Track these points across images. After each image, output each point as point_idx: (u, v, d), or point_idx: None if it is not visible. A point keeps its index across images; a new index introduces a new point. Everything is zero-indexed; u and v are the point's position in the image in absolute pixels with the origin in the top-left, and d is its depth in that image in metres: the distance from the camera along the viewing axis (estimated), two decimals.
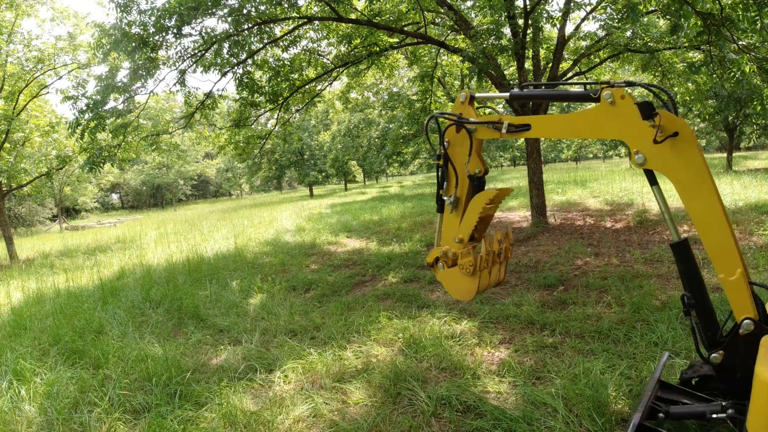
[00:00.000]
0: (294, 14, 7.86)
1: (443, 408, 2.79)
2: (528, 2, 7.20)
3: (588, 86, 2.09)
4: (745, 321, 1.89)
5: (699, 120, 25.63)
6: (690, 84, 9.36)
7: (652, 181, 2.06)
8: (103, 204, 55.95)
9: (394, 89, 16.36)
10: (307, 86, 9.72)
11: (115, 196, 60.11)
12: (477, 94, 2.47)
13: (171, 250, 10.68)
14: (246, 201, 42.25)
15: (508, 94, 2.43)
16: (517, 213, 11.01)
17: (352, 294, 5.61)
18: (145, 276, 7.26)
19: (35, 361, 3.90)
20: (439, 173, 2.55)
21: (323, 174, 38.12)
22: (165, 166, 46.63)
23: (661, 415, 2.27)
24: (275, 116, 10.44)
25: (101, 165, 8.62)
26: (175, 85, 8.00)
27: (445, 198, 2.56)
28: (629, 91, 1.98)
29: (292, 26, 8.61)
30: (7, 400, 3.26)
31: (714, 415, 2.08)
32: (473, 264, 2.42)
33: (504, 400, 2.82)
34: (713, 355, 2.02)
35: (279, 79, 8.94)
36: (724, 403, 2.03)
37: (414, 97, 12.24)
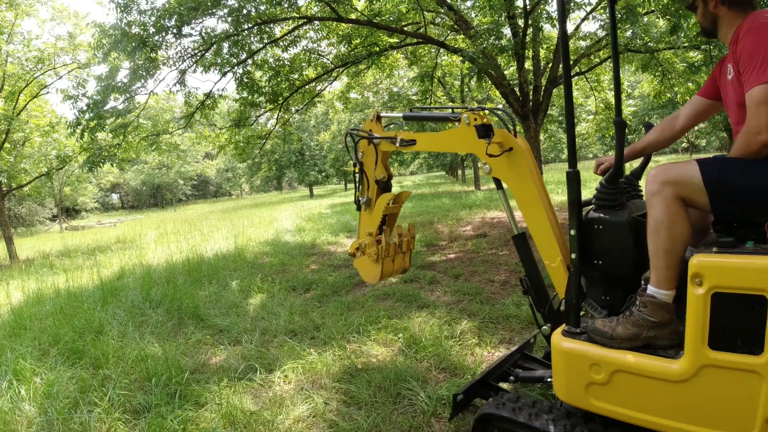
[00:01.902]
0: (294, 14, 7.87)
1: (443, 408, 2.79)
2: (528, 2, 7.20)
3: (455, 110, 2.56)
4: (586, 302, 2.17)
5: None
6: (690, 84, 9.36)
7: (498, 186, 2.46)
8: (103, 204, 55.97)
9: (394, 89, 16.37)
10: (307, 86, 9.72)
11: (115, 196, 60.12)
12: (381, 114, 3.03)
13: (171, 250, 10.69)
14: (246, 201, 42.27)
15: (401, 115, 2.95)
16: (516, 213, 11.00)
17: (352, 294, 5.61)
18: (145, 276, 7.26)
19: (35, 361, 3.90)
20: (356, 179, 3.12)
21: (323, 174, 38.12)
22: (165, 166, 46.65)
23: (511, 378, 2.71)
24: (275, 116, 10.44)
25: (101, 164, 8.64)
26: (175, 85, 8.01)
27: (360, 199, 3.10)
28: (487, 113, 2.45)
29: (292, 26, 8.62)
30: (7, 400, 3.26)
31: (548, 379, 2.48)
32: (377, 253, 2.97)
33: None
34: (544, 327, 2.37)
35: (279, 79, 8.95)
36: None
37: (414, 97, 12.25)
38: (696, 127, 37.50)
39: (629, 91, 14.81)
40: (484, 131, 2.30)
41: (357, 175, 3.09)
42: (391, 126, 3.26)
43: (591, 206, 2.17)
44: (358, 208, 3.14)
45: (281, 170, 38.26)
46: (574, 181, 2.01)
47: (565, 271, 2.18)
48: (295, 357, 3.68)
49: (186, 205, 52.52)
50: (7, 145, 12.57)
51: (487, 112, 2.40)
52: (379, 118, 3.02)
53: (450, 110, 2.59)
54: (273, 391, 3.21)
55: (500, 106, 2.57)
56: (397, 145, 2.82)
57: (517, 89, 8.23)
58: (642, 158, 2.50)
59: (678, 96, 10.19)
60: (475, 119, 2.35)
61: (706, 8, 1.96)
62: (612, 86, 11.41)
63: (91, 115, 7.53)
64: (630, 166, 2.56)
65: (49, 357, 4.08)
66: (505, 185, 2.41)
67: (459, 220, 10.69)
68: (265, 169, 37.39)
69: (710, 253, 1.69)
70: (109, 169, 43.51)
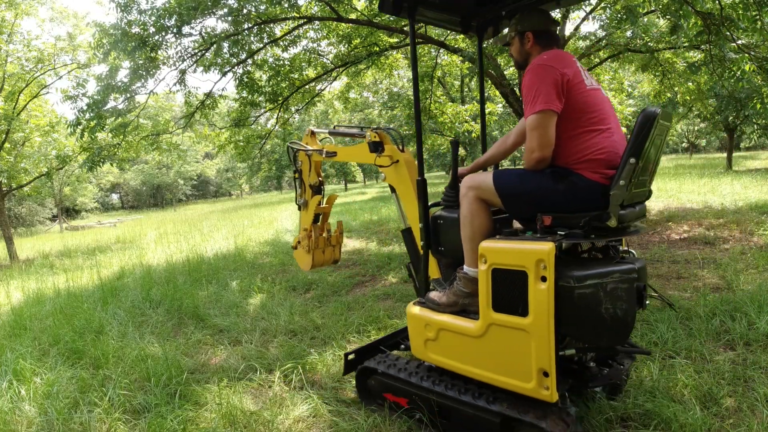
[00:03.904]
0: (294, 14, 7.86)
1: None
2: None
3: (363, 128, 3.13)
4: (433, 279, 2.76)
5: (699, 120, 25.64)
6: (690, 84, 9.35)
7: (392, 190, 3.02)
8: (103, 204, 55.94)
9: (394, 89, 16.35)
10: (307, 86, 9.71)
11: (115, 196, 60.10)
12: (315, 130, 3.67)
13: (171, 250, 10.68)
14: (246, 201, 42.26)
15: (328, 131, 3.58)
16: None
17: (352, 294, 5.61)
18: (145, 276, 7.26)
19: (35, 361, 3.90)
20: (296, 184, 3.78)
21: (323, 174, 38.07)
22: (165, 166, 46.63)
23: (402, 346, 3.16)
24: (275, 116, 10.43)
25: (101, 164, 8.63)
26: (175, 84, 8.00)
27: (299, 200, 3.76)
28: (391, 132, 3.02)
29: (292, 26, 8.61)
30: (7, 400, 3.26)
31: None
32: (308, 245, 3.69)
33: None
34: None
35: (279, 79, 8.94)
36: None
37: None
38: (696, 128, 37.38)
39: (629, 90, 14.78)
40: (374, 147, 2.94)
41: (297, 180, 3.76)
42: (326, 140, 3.78)
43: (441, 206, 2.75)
44: (299, 208, 3.76)
45: (281, 170, 38.23)
46: (421, 188, 2.64)
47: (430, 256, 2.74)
48: (295, 357, 3.68)
49: (186, 205, 52.49)
50: (7, 145, 12.56)
51: (382, 132, 2.98)
52: (313, 133, 3.67)
53: (360, 129, 3.19)
54: (273, 391, 3.21)
55: (392, 127, 3.17)
56: (324, 156, 3.45)
57: (517, 89, 8.23)
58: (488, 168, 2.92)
59: (678, 96, 10.19)
60: (374, 137, 2.94)
61: (522, 46, 2.43)
62: (612, 86, 11.41)
63: (91, 114, 7.52)
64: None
65: (49, 357, 4.08)
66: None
67: None
68: (265, 169, 37.37)
69: (493, 239, 2.21)
70: (109, 169, 43.53)
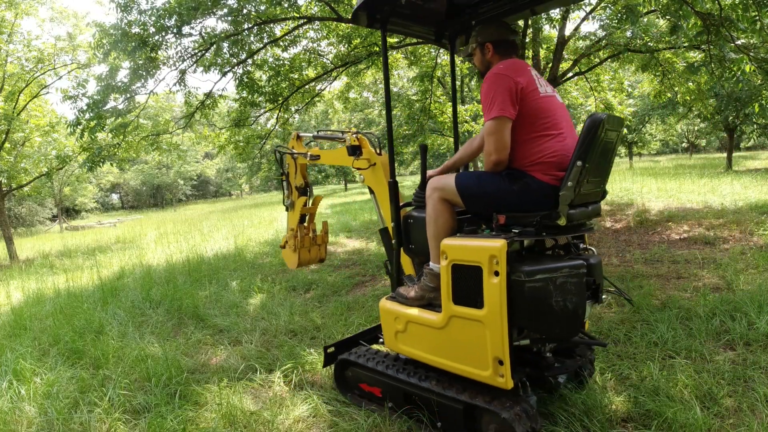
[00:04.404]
0: (294, 14, 7.86)
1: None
2: None
3: (344, 133, 3.31)
4: (406, 276, 2.94)
5: (699, 120, 25.65)
6: (690, 84, 9.35)
7: (371, 191, 3.18)
8: (103, 204, 55.91)
9: (394, 89, 16.35)
10: (307, 86, 9.71)
11: (114, 196, 60.07)
12: (300, 134, 3.80)
13: (171, 250, 10.68)
14: (246, 201, 42.25)
15: (312, 135, 3.75)
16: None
17: (352, 294, 5.61)
18: (145, 276, 7.26)
19: (35, 361, 3.90)
20: (283, 185, 3.93)
21: (323, 174, 38.07)
22: (165, 166, 46.61)
23: (381, 340, 3.11)
24: (275, 116, 10.43)
25: (101, 164, 8.63)
26: (175, 85, 8.01)
27: (287, 202, 3.89)
28: (369, 136, 3.22)
29: (292, 26, 8.61)
30: (7, 400, 3.26)
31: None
32: (294, 244, 3.82)
33: None
34: None
35: (279, 79, 8.94)
36: None
37: (414, 97, 12.23)
38: (696, 128, 37.33)
39: (629, 91, 14.77)
40: (353, 150, 3.13)
41: (284, 183, 3.92)
42: (311, 144, 3.91)
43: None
44: (287, 210, 3.92)
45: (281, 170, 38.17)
46: (393, 189, 2.80)
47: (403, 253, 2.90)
48: (295, 357, 3.68)
49: (186, 205, 52.48)
50: (7, 145, 12.55)
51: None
52: (299, 137, 3.80)
53: (341, 133, 3.36)
54: (273, 391, 3.21)
55: (372, 132, 3.38)
56: (308, 159, 3.62)
57: None
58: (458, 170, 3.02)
59: (678, 96, 10.18)
60: (353, 141, 3.14)
61: (483, 57, 2.60)
62: (612, 86, 11.41)
63: (91, 114, 7.52)
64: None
65: (49, 357, 4.08)
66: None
67: None
68: (265, 169, 37.35)
69: (453, 237, 2.37)
70: (109, 169, 43.50)
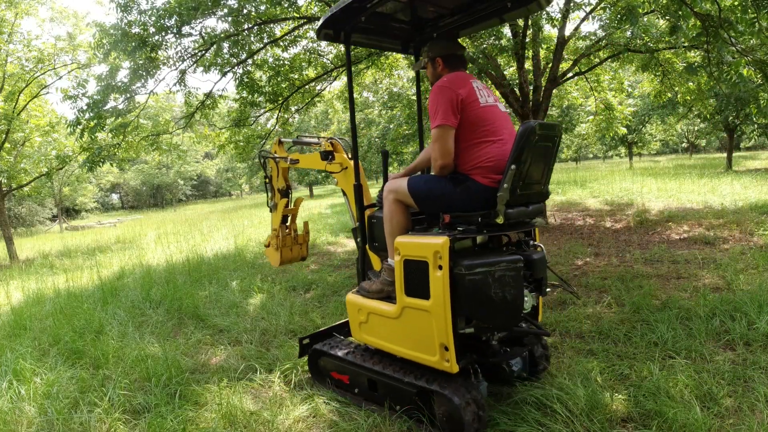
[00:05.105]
0: (294, 14, 7.86)
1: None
2: None
3: (319, 138, 3.56)
4: (371, 271, 3.12)
5: (699, 120, 25.63)
6: (690, 84, 9.35)
7: (344, 193, 3.39)
8: (103, 204, 55.89)
9: (394, 89, 16.32)
10: (307, 86, 9.71)
11: (114, 196, 60.06)
12: (282, 139, 4.02)
13: (171, 250, 10.68)
14: (246, 201, 42.23)
15: (292, 141, 4.00)
16: None
17: None
18: (145, 276, 7.26)
19: (35, 361, 3.90)
20: (267, 188, 4.14)
21: (323, 174, 38.04)
22: (165, 166, 46.56)
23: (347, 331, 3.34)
24: (275, 116, 10.43)
25: (101, 164, 8.63)
26: (175, 85, 8.01)
27: (270, 203, 4.08)
28: (343, 142, 3.43)
29: (292, 26, 8.61)
30: (7, 400, 3.26)
31: None
32: (276, 244, 4.03)
33: (503, 400, 2.82)
34: None
35: (279, 79, 8.94)
36: None
37: (414, 97, 12.23)
38: (696, 128, 37.26)
39: (629, 91, 14.76)
40: (325, 155, 3.36)
41: (267, 185, 4.15)
42: (292, 148, 3.90)
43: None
44: (270, 211, 4.13)
45: None
46: (357, 192, 3.05)
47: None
48: (296, 357, 3.68)
49: (186, 205, 52.47)
50: (7, 145, 12.55)
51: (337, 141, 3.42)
52: (281, 142, 4.02)
53: (317, 139, 3.61)
54: (273, 391, 3.21)
55: (344, 138, 3.53)
56: (288, 163, 3.85)
57: (517, 89, 8.23)
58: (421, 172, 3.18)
59: (678, 96, 10.19)
60: (327, 146, 3.38)
61: (434, 70, 2.80)
62: (612, 86, 11.40)
63: (91, 114, 7.52)
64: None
65: (49, 357, 4.08)
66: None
67: None
68: None
69: (405, 235, 2.61)
70: (109, 169, 43.46)
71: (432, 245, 2.34)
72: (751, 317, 3.55)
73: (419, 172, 3.04)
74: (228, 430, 2.76)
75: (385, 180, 2.99)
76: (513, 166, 2.29)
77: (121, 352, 4.03)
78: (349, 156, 3.26)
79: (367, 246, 3.14)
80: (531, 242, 2.72)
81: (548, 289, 2.63)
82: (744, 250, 5.72)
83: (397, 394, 2.68)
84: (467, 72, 2.75)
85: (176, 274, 7.21)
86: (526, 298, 2.45)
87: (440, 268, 2.31)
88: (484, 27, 3.19)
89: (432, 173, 2.62)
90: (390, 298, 2.71)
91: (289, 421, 2.80)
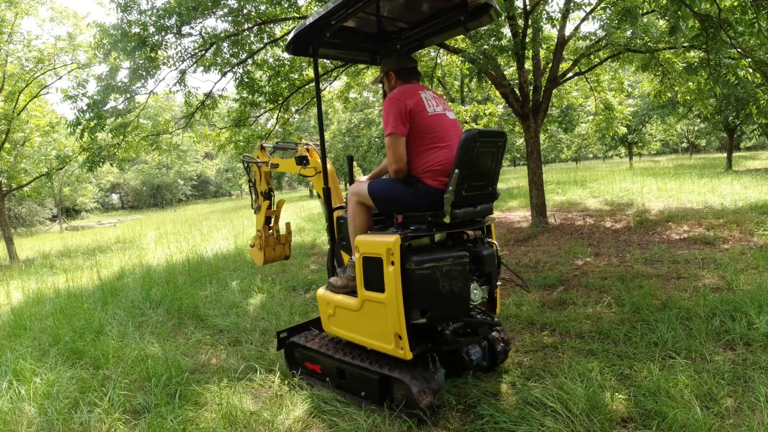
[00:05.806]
0: (294, 14, 7.86)
1: (443, 408, 2.79)
2: (528, 3, 7.20)
3: (297, 144, 3.79)
4: (340, 268, 3.36)
5: (699, 120, 25.63)
6: (690, 84, 9.35)
7: (319, 196, 3.51)
8: (103, 204, 55.87)
9: None
10: (307, 86, 9.71)
11: (114, 197, 60.05)
12: (264, 144, 4.15)
13: (171, 250, 10.69)
14: (246, 201, 42.22)
15: (272, 145, 4.18)
16: (517, 213, 11.02)
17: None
18: (145, 276, 7.26)
19: (35, 361, 3.90)
20: (251, 191, 4.28)
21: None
22: (165, 166, 46.56)
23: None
24: (275, 116, 10.43)
25: (101, 164, 8.63)
26: (175, 85, 8.01)
27: (254, 205, 4.25)
28: (311, 148, 3.70)
29: (292, 26, 8.61)
30: (7, 400, 3.26)
31: None
32: (260, 244, 4.23)
33: (503, 400, 2.82)
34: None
35: (279, 79, 8.94)
36: None
37: None
38: (696, 128, 37.24)
39: (629, 91, 14.77)
40: (300, 160, 3.60)
41: (251, 188, 4.28)
42: (276, 152, 4.25)
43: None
44: (255, 212, 4.29)
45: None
46: (326, 194, 3.29)
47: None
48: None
49: (186, 205, 52.46)
50: (7, 145, 12.55)
51: (312, 146, 3.67)
52: (263, 147, 4.16)
53: (295, 144, 3.80)
54: (273, 391, 3.21)
55: (314, 144, 3.74)
56: (270, 167, 4.03)
57: (517, 89, 8.23)
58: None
59: (678, 96, 10.19)
60: (303, 151, 3.62)
61: (389, 83, 3.06)
62: (612, 86, 11.40)
63: (91, 114, 7.52)
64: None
65: (49, 357, 4.08)
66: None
67: None
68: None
69: (364, 234, 2.81)
70: (109, 169, 43.44)
71: (385, 243, 2.54)
72: (751, 317, 3.55)
73: (385, 176, 3.20)
74: (228, 430, 2.76)
75: (351, 182, 3.25)
76: (456, 171, 2.50)
77: (121, 352, 4.03)
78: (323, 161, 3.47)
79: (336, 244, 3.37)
80: (486, 239, 2.94)
81: (499, 283, 2.90)
82: (744, 250, 5.72)
83: (363, 381, 2.89)
84: (419, 83, 2.98)
85: (176, 274, 7.21)
86: (474, 291, 2.67)
87: (392, 264, 2.50)
88: (448, 37, 3.40)
89: (391, 177, 2.83)
90: (354, 292, 2.89)
91: (289, 421, 2.80)
